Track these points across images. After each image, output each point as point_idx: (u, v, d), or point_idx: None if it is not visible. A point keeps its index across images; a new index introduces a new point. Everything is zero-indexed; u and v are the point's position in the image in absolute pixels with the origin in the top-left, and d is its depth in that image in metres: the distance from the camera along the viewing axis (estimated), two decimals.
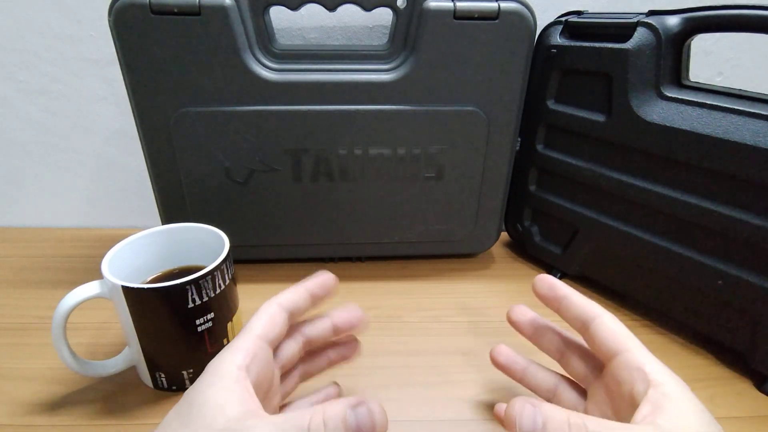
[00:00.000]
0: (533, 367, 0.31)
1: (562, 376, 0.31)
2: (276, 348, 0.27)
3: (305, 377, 0.31)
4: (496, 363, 0.32)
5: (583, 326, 0.27)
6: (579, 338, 0.29)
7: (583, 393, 0.29)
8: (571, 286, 0.47)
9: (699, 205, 0.36)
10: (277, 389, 0.28)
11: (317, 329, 0.30)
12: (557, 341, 0.30)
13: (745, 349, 0.36)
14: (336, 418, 0.20)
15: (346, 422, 0.20)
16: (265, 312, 0.26)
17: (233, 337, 0.36)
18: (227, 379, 0.22)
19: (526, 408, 0.21)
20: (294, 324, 0.29)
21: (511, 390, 0.35)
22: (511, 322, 0.32)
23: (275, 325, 0.26)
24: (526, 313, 0.32)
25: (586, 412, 0.28)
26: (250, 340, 0.25)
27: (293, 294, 0.28)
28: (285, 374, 0.29)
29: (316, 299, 0.29)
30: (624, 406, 0.24)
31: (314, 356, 0.31)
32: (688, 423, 0.21)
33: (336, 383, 0.33)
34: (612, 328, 0.26)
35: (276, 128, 0.42)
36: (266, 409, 0.23)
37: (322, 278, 0.29)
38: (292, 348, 0.28)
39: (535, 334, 0.31)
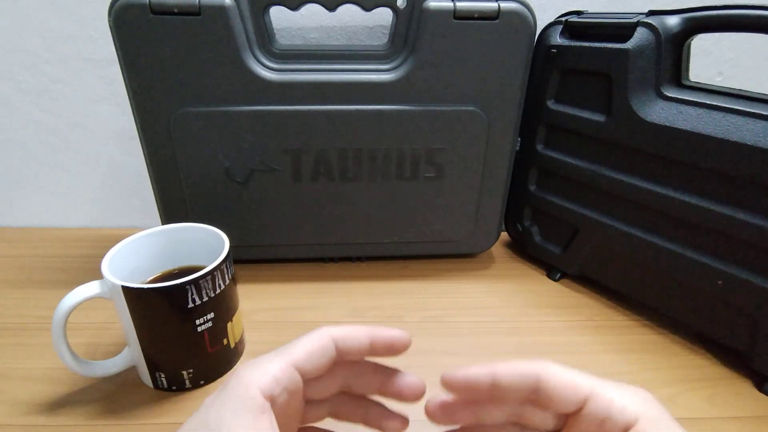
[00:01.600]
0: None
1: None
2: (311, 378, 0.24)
3: (335, 416, 0.27)
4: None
5: (530, 394, 0.23)
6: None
7: None
8: (571, 286, 0.48)
9: (699, 205, 0.36)
10: (299, 415, 0.25)
11: (364, 378, 0.26)
12: (508, 413, 0.24)
13: (745, 349, 0.36)
14: None
15: None
16: (314, 340, 0.23)
17: (233, 338, 0.36)
18: (252, 410, 0.20)
19: None
20: (341, 362, 0.25)
21: None
22: (440, 423, 0.26)
23: (318, 356, 0.23)
24: (453, 405, 0.25)
25: None
26: (284, 366, 0.22)
27: (351, 332, 0.24)
28: (312, 401, 0.26)
29: (376, 349, 0.25)
30: None
31: (353, 401, 0.27)
32: None
33: None
34: (557, 384, 0.22)
35: (276, 128, 0.42)
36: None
37: (394, 332, 0.25)
38: (327, 384, 0.25)
39: (481, 417, 0.25)
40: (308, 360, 0.23)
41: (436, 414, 0.25)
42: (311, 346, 0.23)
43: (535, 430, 0.24)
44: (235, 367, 0.37)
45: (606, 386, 0.22)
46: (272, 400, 0.21)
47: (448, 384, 0.24)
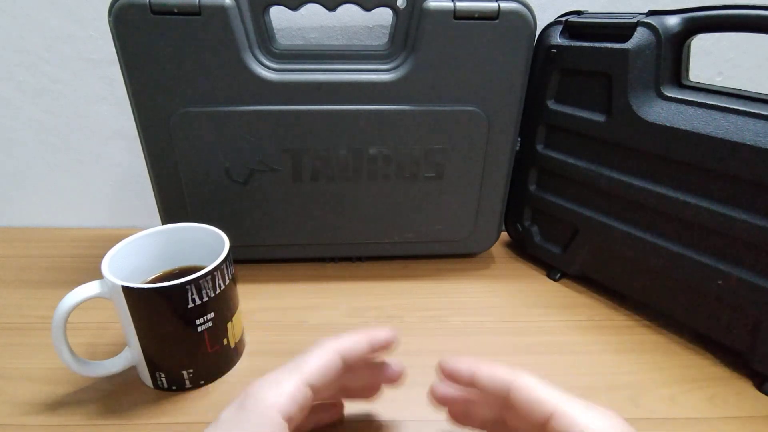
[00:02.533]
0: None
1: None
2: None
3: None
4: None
5: (503, 400, 0.25)
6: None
7: None
8: (571, 286, 0.48)
9: (699, 205, 0.36)
10: (304, 420, 0.27)
11: (358, 381, 0.29)
12: (491, 414, 0.28)
13: (745, 349, 0.36)
14: None
15: None
16: (324, 357, 0.25)
17: (233, 338, 0.36)
18: (272, 430, 0.22)
19: None
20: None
21: None
22: (436, 404, 0.30)
23: (329, 374, 0.25)
24: (446, 393, 0.29)
25: None
26: (300, 386, 0.23)
27: (355, 344, 0.27)
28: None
29: (375, 351, 0.28)
30: None
31: (344, 392, 0.31)
32: None
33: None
34: (526, 397, 0.24)
35: (276, 128, 0.42)
36: None
37: (387, 335, 0.28)
38: (329, 389, 0.27)
39: (463, 415, 0.29)
40: (320, 378, 0.24)
41: (436, 395, 0.29)
42: (321, 363, 0.25)
43: None
44: (233, 369, 0.37)
45: (573, 405, 0.23)
46: (289, 420, 0.23)
47: (439, 368, 0.28)
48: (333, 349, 0.26)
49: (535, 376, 0.25)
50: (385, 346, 0.28)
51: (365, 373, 0.30)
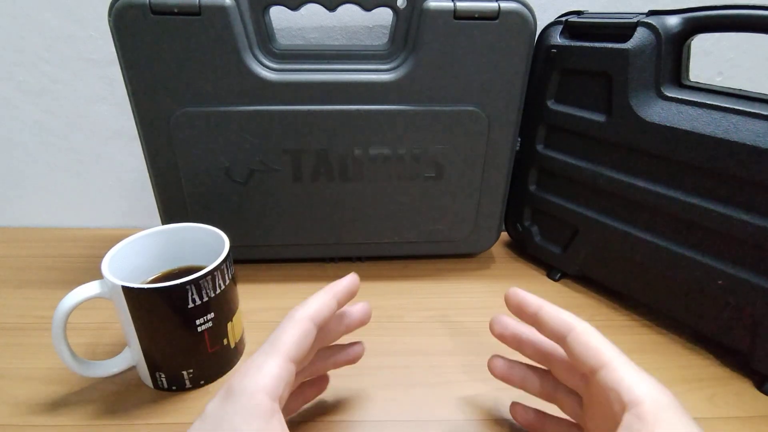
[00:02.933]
0: (530, 375, 0.31)
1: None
2: None
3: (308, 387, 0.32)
4: (494, 375, 0.32)
5: (559, 341, 0.26)
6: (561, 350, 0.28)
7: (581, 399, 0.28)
8: (571, 286, 0.48)
9: (699, 205, 0.36)
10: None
11: (332, 336, 0.30)
12: (541, 353, 0.29)
13: (745, 349, 0.36)
14: None
15: None
16: (297, 328, 0.25)
17: (233, 338, 0.36)
18: (263, 415, 0.21)
19: None
20: None
21: (512, 390, 0.35)
22: (495, 335, 0.31)
23: (307, 344, 0.25)
24: (507, 325, 0.31)
25: (584, 420, 0.27)
26: (281, 363, 0.23)
27: (323, 305, 0.27)
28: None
29: (341, 303, 0.28)
30: (610, 425, 0.23)
31: (320, 358, 0.31)
32: None
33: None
34: (585, 342, 0.25)
35: (276, 128, 0.42)
36: None
37: (348, 282, 0.29)
38: (307, 358, 0.28)
39: (520, 347, 0.30)
40: (299, 349, 0.24)
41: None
42: (297, 335, 0.24)
43: (563, 382, 0.28)
44: (233, 368, 0.37)
45: (625, 364, 0.23)
46: (279, 400, 0.22)
47: (507, 297, 0.29)
48: (304, 317, 0.25)
49: (596, 329, 0.26)
50: (350, 295, 0.29)
51: (334, 324, 0.30)
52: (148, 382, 0.35)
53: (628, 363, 0.24)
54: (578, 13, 0.43)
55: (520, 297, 0.28)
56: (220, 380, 0.36)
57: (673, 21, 0.36)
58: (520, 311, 0.28)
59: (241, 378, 0.23)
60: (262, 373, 0.22)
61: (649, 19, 0.37)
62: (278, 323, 0.43)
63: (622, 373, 0.23)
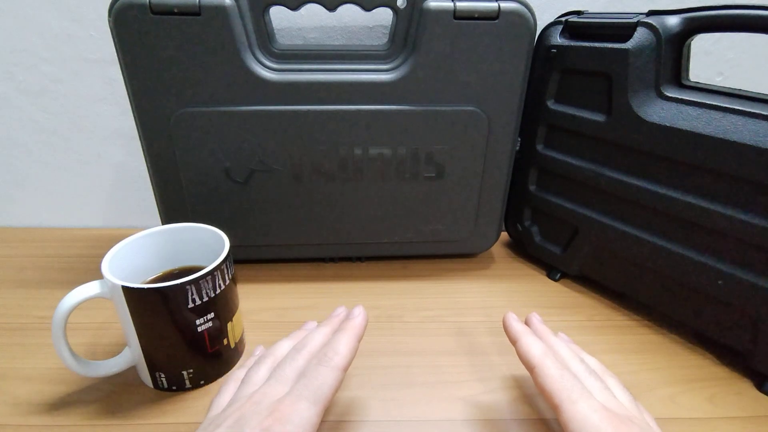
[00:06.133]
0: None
1: None
2: None
3: None
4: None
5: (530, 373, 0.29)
6: None
7: None
8: (571, 286, 0.48)
9: (699, 205, 0.36)
10: None
11: None
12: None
13: (745, 349, 0.36)
14: None
15: None
16: (337, 380, 0.26)
17: (233, 338, 0.36)
18: None
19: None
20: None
21: (512, 390, 0.35)
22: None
23: (336, 391, 0.27)
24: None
25: None
26: (322, 412, 0.25)
27: (354, 350, 0.28)
28: None
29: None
30: None
31: None
32: None
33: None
34: (540, 384, 0.28)
35: (276, 128, 0.42)
36: None
37: (365, 321, 0.31)
38: None
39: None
40: (332, 396, 0.26)
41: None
42: (336, 385, 0.26)
43: None
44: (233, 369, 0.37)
45: (573, 405, 0.26)
46: None
47: (503, 322, 0.33)
48: (341, 368, 0.27)
49: (558, 365, 0.28)
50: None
51: None
52: (148, 382, 0.35)
53: (582, 404, 0.25)
54: (578, 13, 0.43)
55: (506, 325, 0.32)
56: (219, 380, 0.36)
57: (673, 21, 0.36)
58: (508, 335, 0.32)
59: (284, 424, 0.24)
60: (303, 424, 0.24)
61: (649, 19, 0.37)
62: (278, 323, 0.43)
63: (570, 416, 0.25)
